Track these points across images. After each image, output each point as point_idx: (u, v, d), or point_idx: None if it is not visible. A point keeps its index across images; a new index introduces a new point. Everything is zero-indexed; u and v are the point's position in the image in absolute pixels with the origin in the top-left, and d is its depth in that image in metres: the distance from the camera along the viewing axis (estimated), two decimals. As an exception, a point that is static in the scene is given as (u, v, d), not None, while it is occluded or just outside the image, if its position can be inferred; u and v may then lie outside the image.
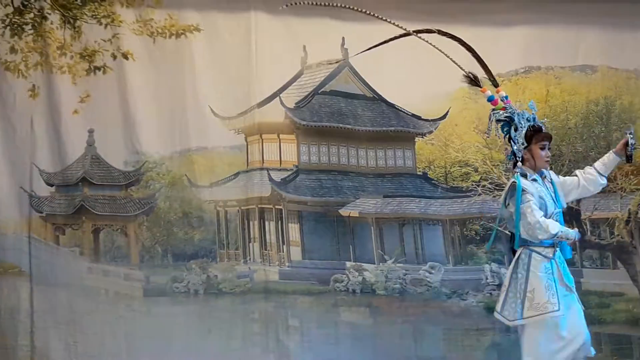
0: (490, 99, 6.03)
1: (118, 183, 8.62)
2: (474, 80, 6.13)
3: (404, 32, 6.28)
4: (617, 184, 8.71)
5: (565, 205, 5.96)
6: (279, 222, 8.70)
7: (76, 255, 8.55)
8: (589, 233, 8.75)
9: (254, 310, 8.56)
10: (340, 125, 8.82)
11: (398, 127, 8.89)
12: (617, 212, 8.70)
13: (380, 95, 8.82)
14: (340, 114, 8.84)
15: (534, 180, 5.86)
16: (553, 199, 5.88)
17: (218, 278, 8.57)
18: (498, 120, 5.97)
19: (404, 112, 8.87)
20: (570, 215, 8.72)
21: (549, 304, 5.72)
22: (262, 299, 8.54)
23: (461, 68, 6.12)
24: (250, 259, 8.67)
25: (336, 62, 8.86)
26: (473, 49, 6.11)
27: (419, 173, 8.87)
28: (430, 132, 8.90)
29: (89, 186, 8.58)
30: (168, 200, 8.67)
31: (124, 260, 8.60)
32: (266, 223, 8.72)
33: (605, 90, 8.93)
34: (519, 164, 5.88)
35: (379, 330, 8.67)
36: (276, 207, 8.71)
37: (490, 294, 8.62)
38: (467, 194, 8.76)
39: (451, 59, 6.11)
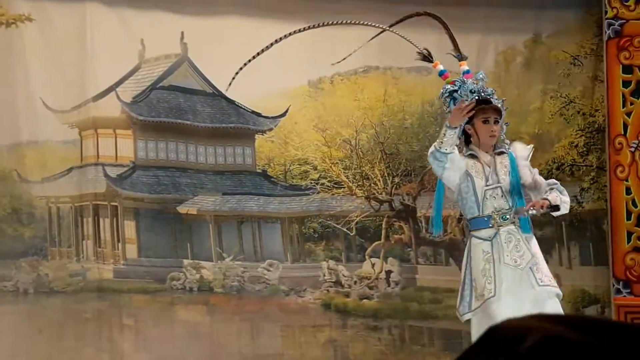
0: (441, 74, 5.84)
1: (-59, 177, 8.21)
2: (427, 57, 5.93)
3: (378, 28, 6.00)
4: (451, 182, 8.93)
5: (524, 180, 5.52)
6: (115, 219, 8.48)
7: None
8: (424, 230, 8.94)
9: (87, 310, 8.31)
10: (179, 121, 8.68)
11: (238, 124, 8.83)
12: (449, 211, 8.92)
13: (220, 92, 8.71)
14: (179, 109, 8.70)
15: (471, 155, 5.61)
16: (496, 175, 5.55)
17: (49, 277, 8.27)
18: (442, 95, 5.74)
19: (244, 109, 8.81)
20: (407, 213, 8.91)
21: (486, 291, 5.33)
22: (95, 297, 8.30)
23: (414, 45, 5.95)
24: (83, 257, 8.40)
25: (175, 57, 8.72)
26: (446, 25, 5.96)
27: (258, 171, 8.84)
28: (271, 129, 8.88)
29: None
30: (-4, 195, 8.32)
31: (-54, 258, 8.20)
32: (101, 220, 8.48)
33: (440, 90, 9.14)
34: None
35: (216, 328, 8.60)
36: (111, 203, 8.48)
37: (327, 290, 8.69)
38: (306, 192, 8.79)
39: (407, 39, 5.90)
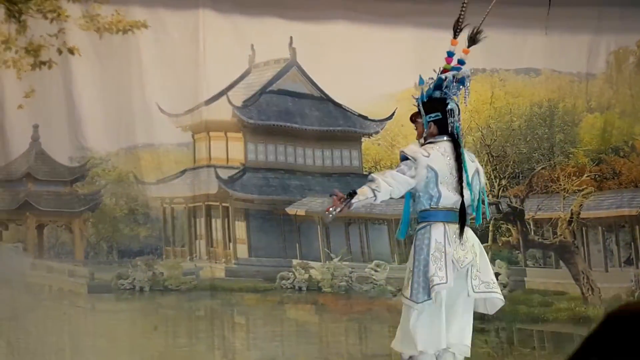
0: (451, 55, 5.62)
1: (63, 179, 8.53)
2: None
3: None
4: (560, 184, 8.84)
5: None
6: (226, 219, 8.69)
7: (19, 251, 8.43)
8: (532, 233, 8.86)
9: (199, 308, 8.53)
10: (288, 124, 8.84)
11: (345, 127, 8.93)
12: (559, 213, 8.83)
13: (328, 95, 8.86)
14: (288, 113, 8.86)
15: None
16: None
17: (164, 275, 8.52)
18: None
19: (351, 112, 8.91)
20: (515, 215, 8.85)
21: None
22: (208, 296, 8.51)
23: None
24: (196, 256, 8.64)
25: (284, 61, 8.89)
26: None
27: (365, 173, 8.90)
28: (377, 132, 8.96)
29: (34, 181, 8.47)
30: (114, 196, 8.60)
31: (68, 257, 8.50)
32: (213, 220, 8.69)
33: (549, 92, 9.06)
34: None
35: (324, 327, 8.70)
36: (223, 204, 8.69)
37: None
38: (412, 194, 8.80)
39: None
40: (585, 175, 8.86)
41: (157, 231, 8.60)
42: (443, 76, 5.49)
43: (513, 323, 8.69)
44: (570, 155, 8.95)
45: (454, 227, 5.34)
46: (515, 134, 8.94)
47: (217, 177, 8.65)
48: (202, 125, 8.64)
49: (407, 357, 5.41)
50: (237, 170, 8.73)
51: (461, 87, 5.53)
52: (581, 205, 8.86)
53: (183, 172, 8.66)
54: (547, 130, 9.00)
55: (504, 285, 8.72)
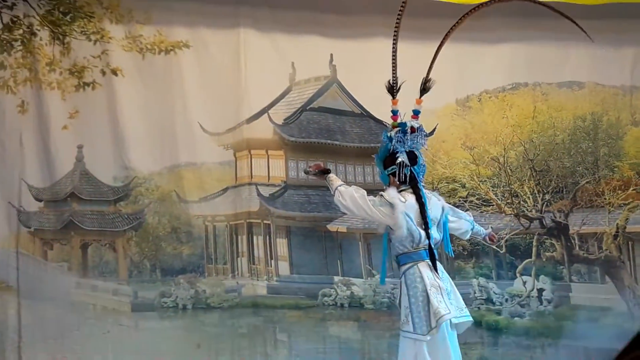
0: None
1: (107, 198, 8.65)
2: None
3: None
4: (605, 198, 8.75)
5: None
6: (267, 237, 8.73)
7: (64, 270, 8.56)
8: (577, 247, 8.78)
9: (242, 325, 8.57)
10: (328, 141, 8.87)
11: (386, 143, 8.92)
12: (605, 227, 8.74)
13: (368, 112, 8.87)
14: (328, 130, 8.89)
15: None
16: None
17: (206, 293, 8.58)
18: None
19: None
20: (559, 230, 8.77)
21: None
22: (250, 313, 8.55)
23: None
24: (238, 273, 8.69)
25: (325, 79, 8.92)
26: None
27: (406, 189, 8.88)
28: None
29: (78, 201, 8.60)
30: (157, 215, 8.70)
31: (112, 276, 8.61)
32: (254, 238, 8.74)
33: (592, 106, 8.99)
34: None
35: (367, 344, 8.69)
36: (264, 222, 8.74)
37: (479, 308, 8.65)
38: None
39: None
40: (631, 188, 8.77)
41: (200, 249, 8.67)
42: (389, 134, 5.91)
43: (558, 339, 8.61)
44: (615, 169, 8.86)
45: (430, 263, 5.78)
46: (558, 148, 8.88)
47: (259, 194, 8.70)
48: (243, 143, 8.70)
49: None
50: (278, 188, 8.78)
51: (419, 136, 5.93)
52: (627, 219, 8.76)
53: (225, 190, 8.72)
54: (591, 144, 8.92)
55: (548, 301, 8.65)
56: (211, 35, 8.63)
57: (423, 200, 5.80)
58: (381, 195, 5.76)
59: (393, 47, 5.93)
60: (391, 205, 5.69)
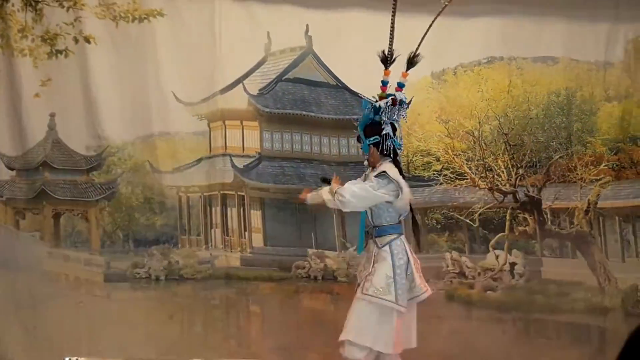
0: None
1: (79, 167, 8.58)
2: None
3: None
4: (578, 174, 8.78)
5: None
6: (241, 208, 8.71)
7: (36, 240, 8.50)
8: (549, 222, 8.82)
9: (215, 296, 8.58)
10: (304, 112, 8.83)
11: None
12: (576, 202, 8.78)
13: (344, 83, 8.83)
14: (304, 101, 8.85)
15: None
16: None
17: (179, 264, 8.57)
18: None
19: (368, 101, 8.86)
20: (532, 204, 8.81)
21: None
22: (223, 285, 8.56)
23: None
24: (212, 245, 8.67)
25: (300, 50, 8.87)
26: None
27: (381, 161, 8.87)
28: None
29: (50, 170, 8.52)
30: (130, 185, 8.65)
31: (84, 246, 8.57)
32: (228, 209, 8.72)
33: (567, 81, 8.99)
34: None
35: (340, 316, 8.65)
36: (238, 193, 8.71)
37: (451, 281, 8.69)
38: (429, 183, 8.80)
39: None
40: (603, 164, 8.80)
41: (173, 220, 8.65)
42: (377, 104, 5.91)
43: (530, 313, 8.67)
44: (587, 145, 8.89)
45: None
46: (532, 122, 8.89)
47: (233, 165, 8.66)
48: (217, 113, 8.65)
49: (361, 354, 5.77)
50: (252, 159, 8.74)
51: (402, 109, 5.99)
52: (598, 194, 8.80)
53: (199, 160, 8.68)
54: (564, 119, 8.94)
55: (520, 275, 8.71)
56: (186, 3, 8.56)
57: (402, 173, 5.88)
58: (385, 174, 5.77)
59: (392, 19, 5.89)
60: (397, 183, 5.76)
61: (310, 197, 6.02)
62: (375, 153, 5.88)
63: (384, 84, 5.96)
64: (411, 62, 6.04)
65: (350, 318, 5.82)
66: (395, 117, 5.91)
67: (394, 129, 5.89)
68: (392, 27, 5.89)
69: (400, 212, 5.88)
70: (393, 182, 5.76)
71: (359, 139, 6.04)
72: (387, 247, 5.81)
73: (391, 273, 5.75)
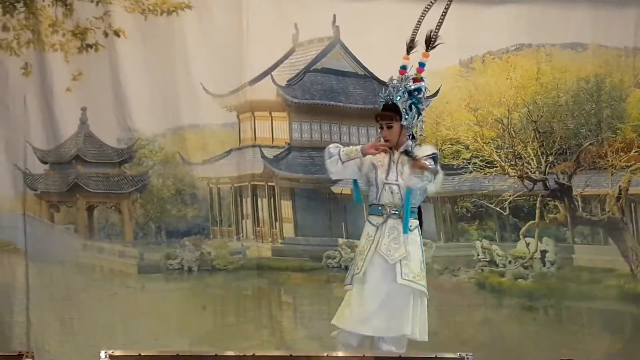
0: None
1: (111, 160, 8.66)
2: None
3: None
4: (608, 160, 8.76)
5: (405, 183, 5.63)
6: (272, 199, 8.75)
7: (71, 233, 8.60)
8: (580, 209, 8.80)
9: (247, 287, 8.63)
10: (332, 102, 8.85)
11: (389, 105, 8.89)
12: (607, 189, 8.75)
13: (372, 73, 8.84)
14: (332, 91, 8.87)
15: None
16: (397, 173, 5.64)
17: (211, 255, 8.63)
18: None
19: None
20: (562, 192, 8.79)
21: (356, 266, 5.65)
22: (255, 275, 8.60)
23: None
24: (243, 235, 8.72)
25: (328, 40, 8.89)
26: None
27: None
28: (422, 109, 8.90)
29: (83, 164, 8.61)
30: (161, 177, 8.71)
31: (118, 238, 8.66)
32: (259, 200, 8.76)
33: (596, 67, 8.96)
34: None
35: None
36: (269, 184, 8.75)
37: (482, 270, 8.70)
38: (458, 171, 8.79)
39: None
40: (634, 150, 8.78)
41: (204, 211, 8.70)
42: (421, 85, 5.67)
43: (561, 300, 8.67)
44: (617, 131, 8.85)
45: None
46: (562, 109, 8.87)
47: (263, 156, 8.70)
48: (246, 105, 8.69)
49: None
50: (282, 150, 8.77)
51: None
52: (629, 181, 8.77)
53: (229, 152, 8.73)
54: (594, 106, 8.91)
55: (551, 263, 8.69)
56: (213, -5, 8.60)
57: None
58: (437, 155, 5.58)
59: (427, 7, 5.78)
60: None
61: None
62: (404, 134, 5.65)
63: (422, 65, 5.74)
64: (431, 41, 5.81)
65: (396, 309, 5.49)
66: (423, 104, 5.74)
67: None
68: (425, 13, 5.79)
69: (424, 193, 5.68)
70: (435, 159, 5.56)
71: (385, 118, 5.69)
72: (417, 231, 5.64)
73: (422, 258, 5.63)
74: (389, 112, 5.64)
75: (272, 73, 8.73)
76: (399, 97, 5.65)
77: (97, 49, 8.39)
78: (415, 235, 5.63)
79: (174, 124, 8.61)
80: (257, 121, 8.78)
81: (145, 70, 8.47)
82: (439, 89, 8.74)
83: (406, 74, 5.70)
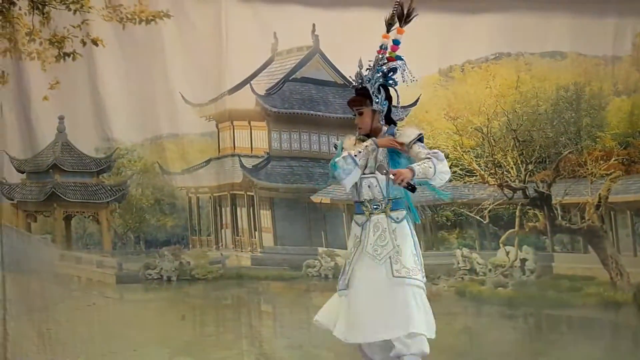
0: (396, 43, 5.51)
1: (89, 170, 8.61)
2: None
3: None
4: (588, 169, 8.78)
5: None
6: (251, 208, 8.73)
7: (48, 243, 8.54)
8: (559, 218, 8.82)
9: (226, 296, 8.60)
10: (311, 112, 8.84)
11: (369, 114, 8.89)
12: (587, 197, 8.77)
13: (351, 82, 8.80)
14: (311, 100, 8.86)
15: (361, 140, 5.44)
16: (375, 163, 5.39)
17: (190, 264, 8.60)
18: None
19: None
20: (541, 200, 8.80)
21: (342, 281, 5.44)
22: (234, 284, 8.58)
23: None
24: (222, 245, 8.70)
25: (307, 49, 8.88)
26: None
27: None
28: (401, 119, 8.89)
29: (60, 173, 8.56)
30: (140, 187, 8.68)
31: (96, 248, 8.61)
32: (238, 209, 8.74)
33: (575, 76, 8.99)
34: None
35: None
36: (248, 193, 8.73)
37: (462, 278, 8.70)
38: (438, 180, 8.76)
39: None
40: (613, 159, 8.80)
41: (183, 221, 8.68)
42: (396, 64, 5.43)
43: (541, 309, 8.67)
44: (597, 139, 8.88)
45: None
46: (541, 118, 8.88)
47: (242, 166, 8.68)
48: (225, 114, 8.67)
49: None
50: (261, 159, 8.76)
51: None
52: (609, 189, 8.79)
53: (208, 161, 8.71)
54: (573, 114, 8.93)
55: (531, 271, 8.70)
56: (192, 5, 8.59)
57: None
58: (422, 135, 5.39)
59: None
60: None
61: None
62: (377, 119, 5.41)
63: (396, 43, 5.44)
64: (403, 17, 5.48)
65: (394, 308, 5.22)
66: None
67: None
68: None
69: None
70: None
71: (354, 103, 5.46)
72: (405, 222, 5.34)
73: (414, 249, 5.32)
74: (358, 97, 5.41)
75: (251, 82, 8.71)
76: (368, 80, 5.42)
77: (74, 58, 8.34)
78: (403, 228, 5.37)
79: (152, 134, 8.57)
80: (236, 130, 8.77)
81: (124, 79, 8.44)
82: (418, 98, 8.76)
83: (382, 54, 5.45)
